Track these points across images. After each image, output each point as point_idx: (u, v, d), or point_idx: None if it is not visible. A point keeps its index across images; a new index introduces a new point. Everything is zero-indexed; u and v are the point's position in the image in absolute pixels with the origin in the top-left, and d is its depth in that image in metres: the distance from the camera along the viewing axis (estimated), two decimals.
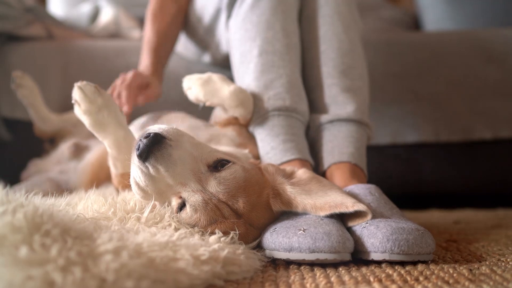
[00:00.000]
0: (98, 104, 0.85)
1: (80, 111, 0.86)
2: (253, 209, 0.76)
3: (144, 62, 1.23)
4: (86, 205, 0.80)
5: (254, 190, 0.77)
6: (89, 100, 0.85)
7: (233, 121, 1.04)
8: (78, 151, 1.28)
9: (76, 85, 0.86)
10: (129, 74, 1.13)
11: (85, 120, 0.86)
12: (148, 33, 1.27)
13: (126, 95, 1.09)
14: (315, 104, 1.08)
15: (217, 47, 1.30)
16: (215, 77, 1.01)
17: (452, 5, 2.01)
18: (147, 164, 0.72)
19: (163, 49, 1.26)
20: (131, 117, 1.35)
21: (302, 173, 0.84)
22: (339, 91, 1.05)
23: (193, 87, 1.01)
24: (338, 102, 1.04)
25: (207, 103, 1.01)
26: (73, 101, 0.86)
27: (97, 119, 0.85)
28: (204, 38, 1.33)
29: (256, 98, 1.03)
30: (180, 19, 1.32)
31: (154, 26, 1.26)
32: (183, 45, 1.48)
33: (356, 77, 1.07)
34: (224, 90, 0.99)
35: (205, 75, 1.01)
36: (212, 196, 0.73)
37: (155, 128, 0.75)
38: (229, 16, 1.16)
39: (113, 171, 0.91)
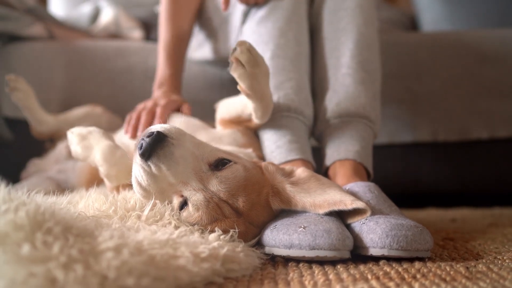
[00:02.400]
0: (83, 134, 0.92)
1: (73, 150, 0.93)
2: (252, 208, 0.76)
3: (164, 72, 1.23)
4: (87, 203, 0.80)
5: (254, 189, 0.77)
6: (76, 134, 0.93)
7: (242, 121, 1.03)
8: None
9: (68, 132, 0.94)
10: (162, 101, 1.12)
11: (76, 153, 0.92)
12: (163, 34, 1.26)
13: (161, 112, 1.09)
14: (327, 94, 1.08)
15: (225, 39, 1.29)
16: (267, 71, 0.94)
17: (449, 6, 2.02)
18: (149, 163, 0.73)
19: (180, 50, 1.26)
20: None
21: (301, 171, 0.85)
22: (352, 82, 1.06)
23: (247, 66, 0.89)
24: (349, 94, 1.05)
25: (240, 88, 0.92)
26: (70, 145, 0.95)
27: (84, 145, 0.91)
28: (218, 28, 1.31)
29: None
30: (196, 15, 1.31)
31: (169, 25, 1.25)
32: None
33: (371, 71, 1.09)
34: (268, 96, 0.95)
35: (266, 66, 0.93)
36: (213, 195, 0.74)
37: (157, 127, 0.76)
38: (243, 22, 1.17)
39: (108, 185, 0.92)
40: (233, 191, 0.75)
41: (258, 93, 0.92)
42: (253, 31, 1.12)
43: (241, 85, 0.92)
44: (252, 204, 0.76)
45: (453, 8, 2.01)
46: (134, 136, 1.08)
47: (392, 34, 1.66)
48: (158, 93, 1.19)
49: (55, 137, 1.42)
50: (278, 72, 1.05)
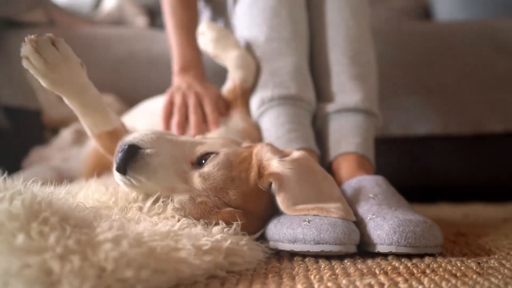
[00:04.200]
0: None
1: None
2: (246, 198, 0.73)
3: (187, 52, 1.12)
4: (87, 194, 0.78)
5: (242, 178, 0.73)
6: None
7: (236, 91, 1.03)
8: (80, 137, 1.27)
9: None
10: (206, 97, 1.03)
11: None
12: (179, 14, 1.16)
13: (213, 117, 1.00)
14: (323, 92, 1.06)
15: (226, 26, 1.27)
16: (231, 36, 1.06)
17: None
18: (128, 176, 0.71)
19: (195, 32, 1.14)
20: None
21: (297, 153, 0.79)
22: (347, 79, 1.03)
23: (207, 34, 1.06)
24: (346, 90, 1.03)
25: (211, 54, 1.07)
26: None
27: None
28: (216, 15, 1.29)
29: (261, 86, 1.01)
30: None
31: (184, 5, 1.17)
32: None
33: (365, 64, 1.06)
34: (234, 49, 1.03)
35: (225, 30, 1.07)
36: (201, 193, 0.72)
37: (129, 138, 0.74)
38: (235, 1, 1.14)
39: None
40: (220, 185, 0.72)
41: (224, 50, 1.04)
42: (245, 13, 1.09)
43: (209, 52, 1.06)
44: (244, 195, 0.73)
45: None
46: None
47: (404, 23, 1.63)
48: (188, 79, 1.08)
49: (63, 125, 1.40)
50: (273, 57, 1.03)
